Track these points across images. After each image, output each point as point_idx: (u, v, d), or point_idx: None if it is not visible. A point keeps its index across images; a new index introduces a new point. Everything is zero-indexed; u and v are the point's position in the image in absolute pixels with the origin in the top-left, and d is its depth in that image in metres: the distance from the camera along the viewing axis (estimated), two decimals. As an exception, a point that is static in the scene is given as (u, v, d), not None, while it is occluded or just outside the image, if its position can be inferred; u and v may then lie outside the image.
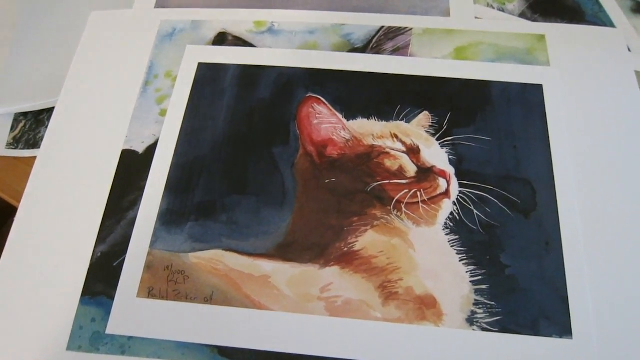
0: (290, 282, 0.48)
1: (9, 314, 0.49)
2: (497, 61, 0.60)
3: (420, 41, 0.62)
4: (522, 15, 0.64)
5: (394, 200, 0.51)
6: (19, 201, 0.54)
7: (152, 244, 0.51)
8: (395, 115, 0.56)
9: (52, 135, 0.58)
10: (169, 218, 0.52)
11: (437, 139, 0.55)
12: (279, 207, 0.52)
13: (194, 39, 0.63)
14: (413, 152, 0.54)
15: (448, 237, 0.50)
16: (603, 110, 0.56)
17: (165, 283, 0.49)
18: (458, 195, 0.52)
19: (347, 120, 0.56)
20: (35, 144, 0.63)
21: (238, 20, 0.64)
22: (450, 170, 0.53)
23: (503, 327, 0.46)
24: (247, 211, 0.52)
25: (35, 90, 0.65)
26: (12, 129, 0.65)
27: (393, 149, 0.54)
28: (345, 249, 0.50)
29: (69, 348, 0.47)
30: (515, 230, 0.50)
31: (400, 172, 0.53)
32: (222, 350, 0.46)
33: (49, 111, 0.63)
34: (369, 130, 0.55)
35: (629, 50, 0.61)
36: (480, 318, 0.47)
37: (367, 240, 0.50)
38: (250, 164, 0.54)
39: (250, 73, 0.60)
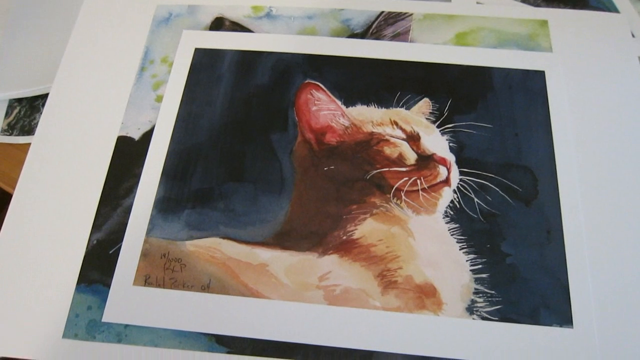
0: (288, 270, 0.48)
1: (4, 302, 0.48)
2: (499, 47, 0.59)
3: (420, 26, 0.61)
4: (524, 0, 0.63)
5: (394, 188, 0.51)
6: (13, 188, 0.54)
7: (149, 231, 0.50)
8: (395, 101, 0.56)
9: (47, 121, 0.57)
10: (165, 205, 0.51)
11: (438, 126, 0.54)
12: (277, 195, 0.51)
13: (191, 24, 0.62)
14: (413, 139, 0.53)
15: (448, 225, 0.50)
16: (606, 97, 0.55)
17: (161, 271, 0.48)
18: (458, 183, 0.51)
19: (346, 107, 0.55)
20: (30, 130, 0.62)
21: (235, 5, 0.63)
22: (451, 157, 0.52)
23: (503, 316, 0.46)
24: (245, 199, 0.51)
25: (30, 76, 0.64)
26: (7, 115, 0.64)
27: (393, 136, 0.53)
28: (344, 237, 0.49)
29: (64, 336, 0.47)
30: (516, 219, 0.50)
31: (400, 160, 0.52)
32: (219, 338, 0.46)
33: (44, 97, 0.63)
34: (369, 117, 0.55)
35: (633, 35, 0.60)
36: (481, 307, 0.46)
37: (366, 229, 0.49)
38: (247, 151, 0.54)
39: (248, 59, 0.59)
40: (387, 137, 0.53)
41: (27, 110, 0.64)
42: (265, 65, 0.58)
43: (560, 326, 0.46)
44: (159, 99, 0.57)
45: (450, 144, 0.53)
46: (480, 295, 0.47)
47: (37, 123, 0.58)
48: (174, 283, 0.48)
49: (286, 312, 0.46)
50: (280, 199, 0.51)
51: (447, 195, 0.51)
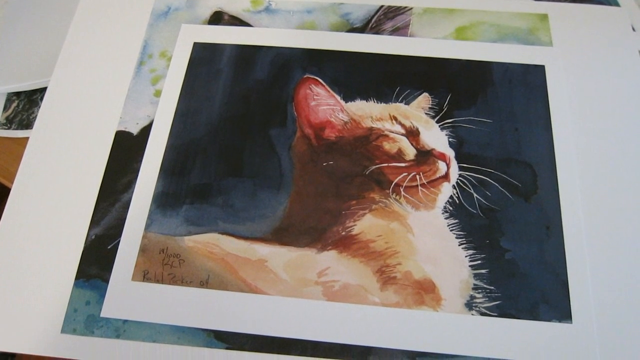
0: (287, 266, 0.48)
1: (2, 296, 0.48)
2: (499, 41, 0.58)
3: (420, 21, 0.60)
4: (525, -6, 0.63)
5: (393, 184, 0.51)
6: (11, 182, 0.54)
7: (147, 226, 0.50)
8: (394, 96, 0.55)
9: (45, 115, 0.57)
10: (164, 201, 0.51)
11: (437, 121, 0.54)
12: (276, 190, 0.51)
13: (189, 17, 0.62)
14: (412, 134, 0.53)
15: (447, 221, 0.49)
16: (606, 92, 0.55)
17: (160, 266, 0.48)
18: (458, 179, 0.51)
19: (346, 102, 0.55)
20: (28, 124, 0.62)
21: (234, -1, 0.63)
22: (450, 153, 0.52)
23: (502, 312, 0.46)
24: (244, 194, 0.51)
25: (28, 70, 0.63)
26: (5, 109, 0.64)
27: (392, 132, 0.53)
28: (343, 233, 0.49)
29: (63, 331, 0.46)
30: (516, 214, 0.50)
31: (399, 155, 0.52)
32: (217, 334, 0.46)
33: (42, 91, 0.62)
34: (368, 112, 0.54)
35: (633, 29, 0.60)
36: (480, 303, 0.46)
37: (365, 224, 0.49)
38: (246, 146, 0.54)
39: (247, 53, 0.59)
40: (386, 132, 0.53)
41: (26, 104, 0.64)
42: (264, 60, 0.58)
43: (560, 321, 0.45)
44: (158, 93, 0.57)
45: (450, 139, 0.53)
46: (480, 290, 0.47)
47: (36, 117, 0.57)
48: (173, 278, 0.48)
49: (285, 308, 0.46)
50: (279, 194, 0.51)
51: (446, 191, 0.51)
